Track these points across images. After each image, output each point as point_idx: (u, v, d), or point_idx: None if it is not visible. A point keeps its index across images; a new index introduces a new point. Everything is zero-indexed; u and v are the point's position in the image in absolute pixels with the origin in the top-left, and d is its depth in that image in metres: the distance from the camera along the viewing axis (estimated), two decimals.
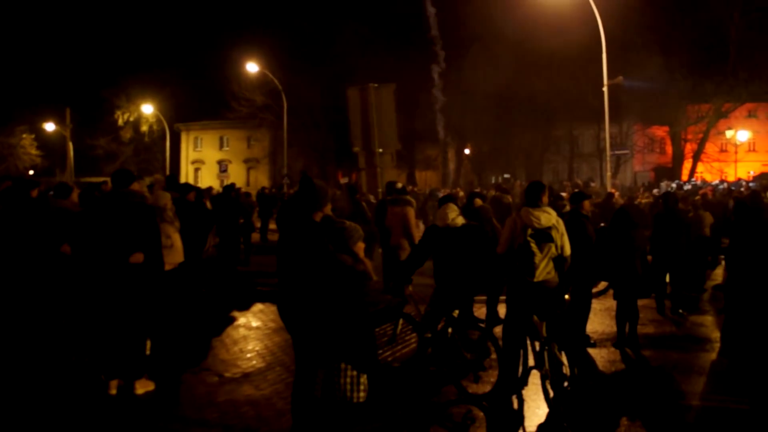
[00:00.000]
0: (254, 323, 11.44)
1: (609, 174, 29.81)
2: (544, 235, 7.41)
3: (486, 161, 59.68)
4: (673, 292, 12.25)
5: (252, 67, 44.03)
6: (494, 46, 44.82)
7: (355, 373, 5.48)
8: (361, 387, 5.51)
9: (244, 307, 12.64)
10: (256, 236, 24.07)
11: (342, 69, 46.31)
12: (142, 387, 7.58)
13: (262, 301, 13.02)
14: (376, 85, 12.80)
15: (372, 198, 13.53)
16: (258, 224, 24.91)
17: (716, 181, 44.77)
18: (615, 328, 10.20)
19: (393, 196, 12.63)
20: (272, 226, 25.11)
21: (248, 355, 9.45)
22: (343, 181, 41.21)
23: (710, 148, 54.25)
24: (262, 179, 62.21)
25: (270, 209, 26.69)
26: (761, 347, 3.15)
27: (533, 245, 7.38)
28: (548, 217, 7.52)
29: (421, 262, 8.09)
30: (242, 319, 11.73)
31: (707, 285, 14.96)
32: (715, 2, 45.55)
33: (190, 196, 11.88)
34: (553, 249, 7.48)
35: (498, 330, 8.27)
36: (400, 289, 8.69)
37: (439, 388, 7.81)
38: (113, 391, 7.42)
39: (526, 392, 7.61)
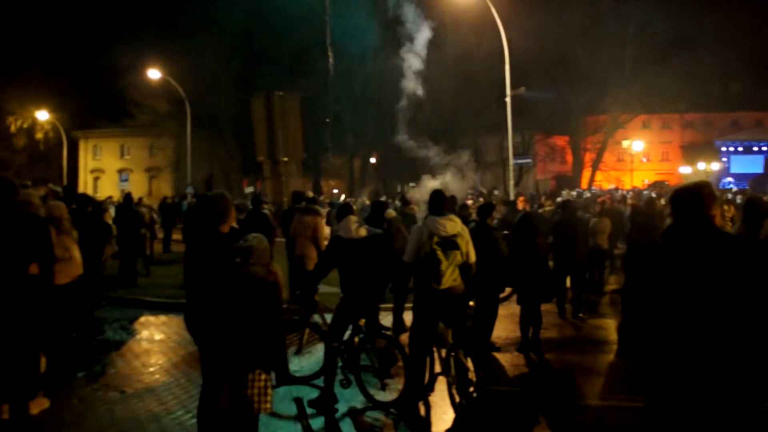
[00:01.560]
0: (157, 336, 11.19)
1: (512, 182, 30.39)
2: (450, 243, 7.48)
3: (392, 170, 60.00)
4: (574, 296, 12.56)
5: (154, 74, 43.13)
6: (398, 55, 45.11)
7: (262, 383, 5.42)
8: (268, 398, 5.45)
9: (147, 319, 12.37)
10: (159, 247, 23.64)
11: (248, 77, 45.83)
12: (37, 406, 7.19)
13: (166, 313, 12.75)
14: (281, 93, 12.70)
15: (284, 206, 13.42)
16: (161, 235, 24.45)
17: (612, 188, 46.27)
18: (519, 333, 10.39)
19: (304, 206, 12.58)
20: (176, 236, 24.61)
21: (151, 369, 9.23)
22: (248, 190, 40.77)
23: (608, 157, 56.09)
24: (165, 189, 60.88)
25: (173, 219, 26.17)
26: (657, 348, 3.30)
27: (439, 253, 7.44)
28: (453, 224, 7.60)
29: (327, 272, 8.07)
30: (145, 332, 11.46)
31: (606, 289, 15.41)
32: (613, 17, 47.12)
33: (87, 208, 11.54)
34: (459, 256, 7.57)
35: (405, 337, 8.30)
36: (307, 298, 8.65)
37: (348, 396, 7.80)
38: (5, 416, 6.89)
39: (433, 398, 7.67)
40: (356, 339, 7.87)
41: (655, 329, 3.50)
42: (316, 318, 9.27)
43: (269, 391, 5.46)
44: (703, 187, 3.72)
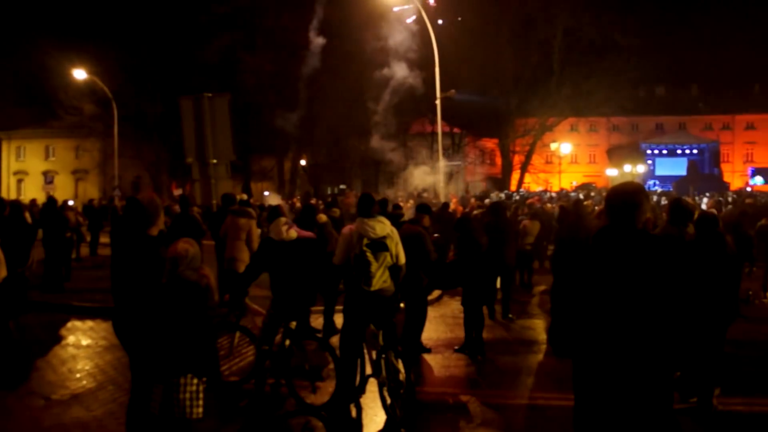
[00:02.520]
0: (84, 341, 10.97)
1: (442, 184, 30.62)
2: (380, 245, 7.51)
3: (322, 172, 59.87)
4: (503, 297, 12.71)
5: (80, 74, 42.23)
6: (329, 56, 45.04)
7: (194, 388, 5.36)
8: (200, 402, 5.40)
9: (74, 324, 12.11)
10: (85, 250, 23.16)
11: (175, 78, 45.18)
12: None
13: (93, 318, 12.50)
14: (210, 94, 12.56)
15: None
16: (88, 238, 23.95)
17: (540, 189, 47.04)
18: (449, 334, 10.50)
19: (236, 208, 12.47)
20: (104, 239, 24.13)
21: (78, 375, 9.04)
22: (177, 192, 40.24)
23: (536, 159, 56.96)
24: (91, 191, 59.61)
25: (100, 222, 25.62)
26: (585, 347, 3.39)
27: (369, 255, 7.47)
28: (383, 226, 7.64)
29: (257, 275, 8.02)
30: (71, 338, 11.22)
31: (534, 290, 15.66)
32: (541, 21, 47.90)
33: (3, 211, 11.21)
34: (389, 258, 7.60)
35: (335, 340, 8.31)
36: (237, 301, 8.59)
37: (278, 399, 7.77)
38: None
39: (364, 400, 7.70)
40: (287, 342, 7.84)
41: (583, 329, 3.57)
42: (247, 321, 9.21)
43: (201, 395, 5.41)
44: (641, 195, 3.77)
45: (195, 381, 5.37)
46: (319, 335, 9.78)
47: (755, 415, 7.39)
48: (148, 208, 5.74)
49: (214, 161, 12.23)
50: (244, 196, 12.74)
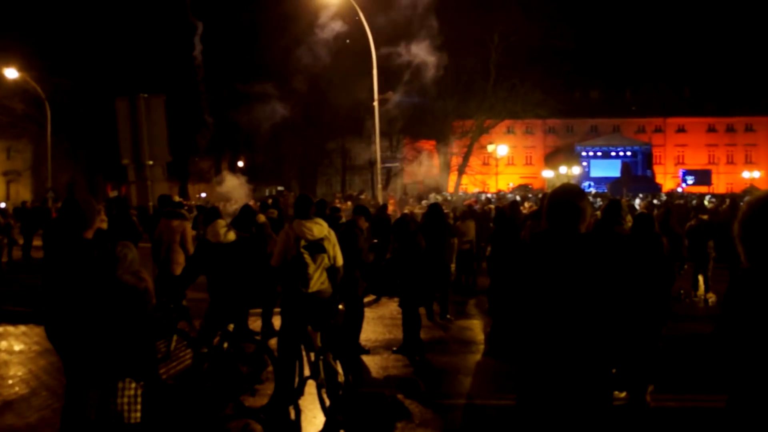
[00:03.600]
0: (17, 347, 10.72)
1: (380, 186, 30.70)
2: (317, 246, 7.52)
3: (260, 174, 59.53)
4: (441, 298, 12.81)
5: (11, 73, 41.18)
6: (267, 57, 44.80)
7: (132, 392, 5.29)
8: (138, 407, 5.33)
9: (5, 330, 11.83)
10: (18, 253, 22.65)
11: (111, 78, 44.38)
12: None
13: (26, 323, 12.23)
14: (146, 95, 12.39)
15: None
16: (20, 241, 23.43)
17: (477, 191, 47.49)
18: (388, 335, 10.53)
19: (168, 210, 12.32)
20: (37, 242, 23.59)
21: (10, 382, 8.84)
22: (113, 194, 39.52)
23: (474, 161, 57.45)
24: (24, 193, 58.20)
25: (34, 225, 25.03)
26: (523, 348, 3.43)
27: (307, 256, 7.47)
28: (320, 228, 7.65)
29: (195, 277, 7.96)
30: (3, 343, 10.96)
31: (472, 290, 15.80)
32: (478, 24, 48.35)
33: None
34: (326, 260, 7.62)
35: (274, 342, 8.28)
36: (175, 304, 8.51)
37: (216, 403, 7.71)
38: None
39: (303, 402, 7.69)
40: (225, 344, 7.79)
41: (523, 329, 3.62)
42: (184, 324, 9.12)
43: (139, 400, 5.34)
44: (583, 198, 3.81)
45: (133, 385, 5.30)
46: (258, 338, 9.73)
47: (686, 410, 7.58)
48: (84, 211, 5.65)
49: (150, 163, 12.06)
50: (177, 198, 12.59)
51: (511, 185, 63.54)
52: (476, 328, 12.15)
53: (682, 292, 14.50)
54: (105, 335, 5.30)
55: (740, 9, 79.04)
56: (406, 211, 21.22)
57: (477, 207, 23.72)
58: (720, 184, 72.13)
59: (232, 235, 7.78)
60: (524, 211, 18.57)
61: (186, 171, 56.89)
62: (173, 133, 13.51)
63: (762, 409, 3.00)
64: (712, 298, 14.28)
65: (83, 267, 5.47)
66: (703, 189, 59.25)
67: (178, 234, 11.84)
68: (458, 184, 55.65)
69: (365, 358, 9.88)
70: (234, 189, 16.18)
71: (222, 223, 7.82)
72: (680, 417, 7.45)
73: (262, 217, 11.48)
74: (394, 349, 10.22)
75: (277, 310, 8.87)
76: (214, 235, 7.79)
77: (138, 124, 12.06)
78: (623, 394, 7.64)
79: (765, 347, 2.98)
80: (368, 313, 11.13)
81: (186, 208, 16.95)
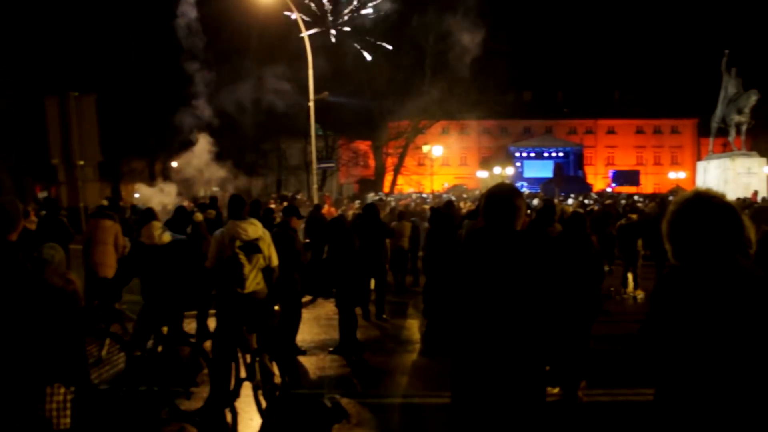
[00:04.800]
0: None
1: (315, 186, 30.65)
2: (253, 247, 7.48)
3: (195, 174, 58.58)
4: (377, 298, 12.85)
5: None
6: (202, 56, 44.25)
7: (61, 398, 5.19)
8: (68, 413, 5.22)
9: None
10: None
11: (41, 76, 43.29)
12: None
13: None
14: (76, 94, 12.15)
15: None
16: None
17: (413, 191, 47.73)
18: (324, 336, 10.51)
19: (100, 211, 12.11)
20: None
21: None
22: (42, 195, 38.64)
23: (409, 162, 57.80)
24: None
25: None
26: (462, 345, 3.47)
27: (242, 257, 7.43)
28: (255, 228, 7.62)
29: (129, 280, 7.84)
30: None
31: (408, 290, 15.88)
32: (414, 25, 48.64)
33: None
34: (262, 260, 7.59)
35: (209, 344, 8.21)
36: (107, 307, 8.37)
37: (151, 407, 7.60)
38: None
39: (239, 404, 7.63)
40: (159, 347, 7.69)
41: (458, 327, 3.65)
42: (117, 327, 8.97)
43: (69, 405, 5.24)
44: (519, 198, 3.86)
45: (62, 390, 5.20)
46: (193, 340, 9.62)
47: (617, 404, 7.75)
48: (8, 212, 5.51)
49: (81, 163, 11.84)
50: (105, 202, 12.35)
51: (446, 185, 63.99)
52: (412, 327, 12.22)
53: (612, 289, 14.82)
54: (32, 339, 5.18)
55: (667, 16, 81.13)
56: (341, 211, 21.23)
57: (412, 206, 23.85)
58: (648, 184, 73.79)
59: (167, 237, 7.70)
60: (463, 211, 18.75)
61: (119, 171, 55.80)
62: (105, 132, 13.29)
63: (687, 401, 3.10)
64: (640, 295, 14.62)
65: (8, 270, 5.34)
66: (631, 189, 60.50)
67: (111, 235, 11.64)
68: (393, 184, 55.88)
69: (302, 359, 9.85)
70: (151, 198, 15.98)
71: (157, 225, 7.73)
72: (611, 411, 7.61)
73: (199, 217, 11.35)
74: (331, 349, 10.22)
75: (213, 311, 8.77)
76: (148, 237, 7.69)
77: (68, 123, 11.82)
78: (556, 390, 7.79)
79: (690, 341, 3.08)
80: (305, 313, 11.09)
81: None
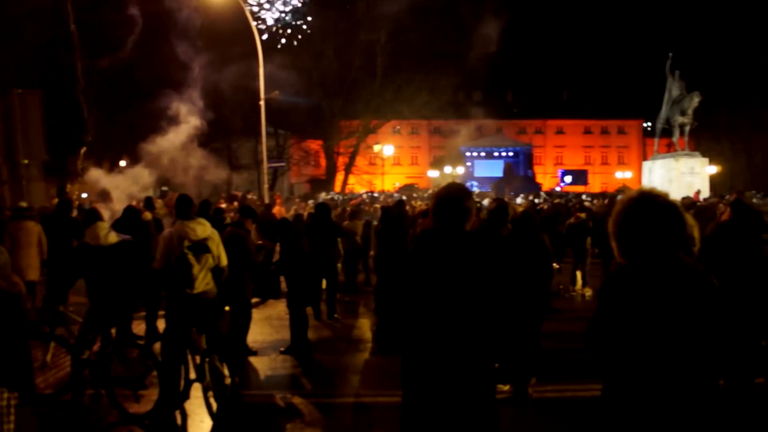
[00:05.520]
0: None
1: (266, 186, 30.50)
2: (201, 247, 7.42)
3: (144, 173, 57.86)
4: (328, 297, 12.83)
5: None
6: (146, 54, 43.71)
7: (5, 402, 5.09)
8: (11, 418, 5.13)
9: None
10: None
11: None
12: None
13: None
14: (20, 90, 11.93)
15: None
16: None
17: (365, 191, 47.75)
18: (275, 336, 10.46)
19: (17, 212, 11.85)
20: None
21: None
22: None
23: (360, 161, 57.88)
24: None
25: None
26: (412, 344, 3.49)
27: (191, 257, 7.36)
28: (203, 228, 7.56)
29: (74, 281, 7.72)
30: None
31: (359, 289, 15.88)
32: (366, 25, 48.67)
33: None
34: (211, 260, 7.53)
35: (158, 346, 8.12)
36: (51, 310, 8.22)
37: (99, 411, 7.50)
38: None
39: (189, 406, 7.56)
40: (107, 350, 7.59)
41: (409, 326, 3.66)
42: (62, 330, 8.81)
43: (12, 410, 5.14)
44: (469, 198, 3.87)
45: (5, 395, 5.11)
46: (141, 342, 9.51)
47: (566, 399, 7.85)
48: None
49: (26, 161, 11.65)
50: (24, 203, 12.13)
51: (397, 185, 64.19)
52: (364, 326, 12.22)
53: (561, 287, 15.00)
54: None
55: (614, 20, 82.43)
56: (292, 211, 21.15)
57: (362, 206, 23.85)
58: (595, 183, 74.91)
59: (113, 238, 7.59)
60: (417, 209, 18.83)
61: (65, 170, 54.84)
62: (51, 130, 13.08)
63: (633, 394, 3.15)
64: (588, 292, 14.83)
65: None
66: (579, 188, 61.42)
67: (35, 236, 11.43)
68: (345, 183, 55.87)
69: (253, 360, 9.80)
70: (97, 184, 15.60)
71: (102, 226, 7.61)
72: (560, 407, 7.70)
73: (148, 215, 11.21)
74: (282, 349, 10.18)
75: (162, 313, 8.68)
76: (93, 238, 7.57)
77: (12, 120, 11.61)
78: (507, 387, 7.86)
79: (635, 336, 3.14)
80: (256, 313, 11.03)
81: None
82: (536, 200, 33.24)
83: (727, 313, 3.25)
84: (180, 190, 14.23)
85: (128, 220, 10.63)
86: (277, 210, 21.24)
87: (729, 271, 5.19)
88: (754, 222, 5.92)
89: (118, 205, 13.14)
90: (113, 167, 55.48)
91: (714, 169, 40.80)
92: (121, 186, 15.97)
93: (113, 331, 7.89)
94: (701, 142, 56.07)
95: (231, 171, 59.06)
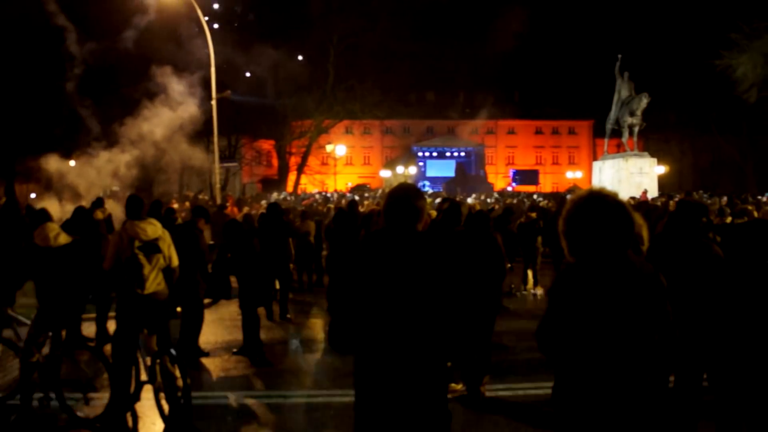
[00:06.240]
0: None
1: (218, 186, 30.28)
2: (152, 247, 7.37)
3: (91, 173, 57.01)
4: (281, 297, 12.80)
5: None
6: (97, 55, 43.07)
7: None
8: None
9: None
10: None
11: None
12: None
13: None
14: None
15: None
16: None
17: (317, 191, 47.70)
18: (228, 337, 10.40)
19: None
20: None
21: None
22: None
23: (313, 161, 57.75)
24: None
25: None
26: (364, 343, 3.50)
27: (141, 257, 7.30)
28: (154, 228, 7.50)
29: (22, 283, 7.60)
30: None
31: (313, 289, 15.88)
32: (318, 25, 48.60)
33: None
34: (162, 260, 7.48)
35: (109, 348, 8.03)
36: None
37: (48, 415, 7.39)
38: None
39: (141, 408, 7.49)
40: (57, 352, 7.48)
41: (361, 326, 3.67)
42: (10, 333, 8.66)
43: None
44: (420, 198, 3.89)
45: None
46: (92, 344, 9.39)
47: (518, 398, 7.95)
48: None
49: None
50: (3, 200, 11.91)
51: (350, 185, 64.15)
52: (316, 326, 12.23)
53: (512, 286, 15.16)
54: None
55: (563, 22, 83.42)
56: (245, 211, 21.04)
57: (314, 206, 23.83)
58: (546, 183, 75.69)
59: (62, 238, 7.48)
60: (367, 209, 18.85)
61: (13, 170, 53.74)
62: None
63: (583, 392, 3.21)
64: (539, 291, 15.02)
65: None
66: (531, 188, 61.98)
67: None
68: (297, 183, 55.70)
69: (205, 361, 9.74)
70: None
71: (51, 227, 7.51)
72: (512, 405, 7.78)
73: (99, 214, 11.05)
74: (235, 350, 10.13)
75: (112, 314, 8.58)
76: (43, 239, 7.46)
77: None
78: (459, 386, 7.93)
79: (584, 333, 3.20)
80: (208, 314, 10.97)
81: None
82: (488, 200, 33.51)
83: (675, 311, 3.33)
84: (131, 191, 14.07)
85: (78, 221, 10.49)
86: (230, 210, 21.11)
87: (674, 269, 5.29)
88: (696, 220, 6.06)
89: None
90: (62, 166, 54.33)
91: (662, 169, 41.52)
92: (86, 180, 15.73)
93: (63, 333, 7.77)
94: (650, 143, 57.07)
95: (182, 171, 58.55)
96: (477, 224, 8.26)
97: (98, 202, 14.49)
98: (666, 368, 3.32)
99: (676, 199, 21.67)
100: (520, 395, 8.02)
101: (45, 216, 7.90)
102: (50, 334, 7.65)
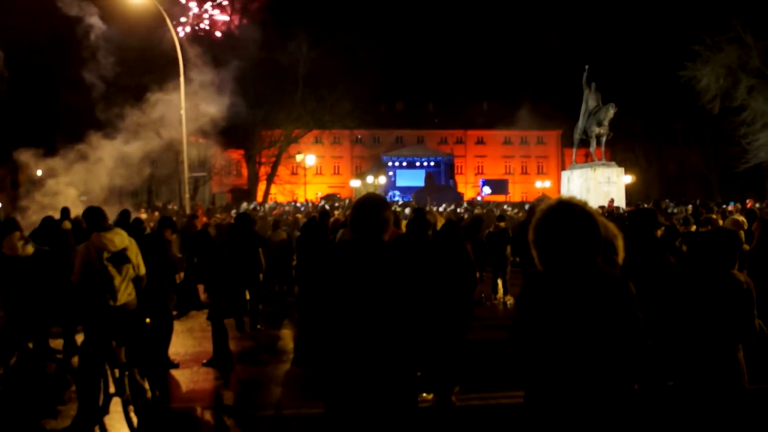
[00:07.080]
0: None
1: (187, 196, 30.11)
2: (121, 257, 7.32)
3: (63, 181, 56.38)
4: (251, 308, 12.74)
5: None
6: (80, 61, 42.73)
7: None
8: None
9: None
10: None
11: None
12: None
13: None
14: None
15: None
16: None
17: (287, 202, 47.57)
18: (198, 348, 10.33)
19: None
20: None
21: None
22: None
23: (282, 171, 57.63)
24: None
25: None
26: (329, 355, 3.50)
27: (111, 268, 7.25)
28: (121, 238, 7.46)
29: None
30: None
31: (283, 299, 15.82)
32: (288, 35, 48.61)
33: None
34: (131, 270, 7.43)
35: (77, 360, 7.95)
36: None
37: (15, 428, 7.29)
38: None
39: (109, 421, 7.41)
40: (24, 364, 7.39)
41: (330, 336, 3.67)
42: None
43: None
44: (387, 209, 3.90)
45: None
46: (59, 356, 9.29)
47: (490, 407, 7.97)
48: None
49: None
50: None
51: (320, 195, 64.08)
52: (286, 337, 12.18)
53: (483, 295, 15.21)
54: None
55: (531, 33, 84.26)
56: (213, 221, 20.91)
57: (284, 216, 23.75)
58: (516, 193, 76.13)
59: (30, 249, 7.41)
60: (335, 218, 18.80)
61: None
62: None
63: (552, 400, 3.25)
64: (510, 300, 15.08)
65: None
66: (500, 198, 62.33)
67: None
68: (267, 193, 55.56)
69: (174, 373, 9.66)
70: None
71: (19, 236, 7.43)
72: (484, 414, 7.81)
73: (67, 224, 10.94)
74: (204, 362, 10.07)
75: (80, 326, 8.50)
76: (10, 249, 7.39)
77: None
78: (430, 396, 7.94)
79: (553, 341, 3.23)
80: (178, 325, 10.89)
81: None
82: (458, 209, 33.61)
83: (644, 319, 3.37)
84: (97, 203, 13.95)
85: (46, 231, 10.39)
86: (200, 221, 20.96)
87: (638, 277, 5.37)
88: (649, 226, 6.20)
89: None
90: (29, 176, 53.82)
91: (629, 179, 41.88)
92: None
93: (30, 344, 7.69)
94: (617, 153, 57.56)
95: (151, 181, 58.14)
96: (447, 234, 8.30)
97: (66, 213, 14.35)
98: (632, 376, 3.35)
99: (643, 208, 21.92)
100: (491, 405, 8.04)
101: (13, 225, 7.80)
102: (18, 346, 7.57)
